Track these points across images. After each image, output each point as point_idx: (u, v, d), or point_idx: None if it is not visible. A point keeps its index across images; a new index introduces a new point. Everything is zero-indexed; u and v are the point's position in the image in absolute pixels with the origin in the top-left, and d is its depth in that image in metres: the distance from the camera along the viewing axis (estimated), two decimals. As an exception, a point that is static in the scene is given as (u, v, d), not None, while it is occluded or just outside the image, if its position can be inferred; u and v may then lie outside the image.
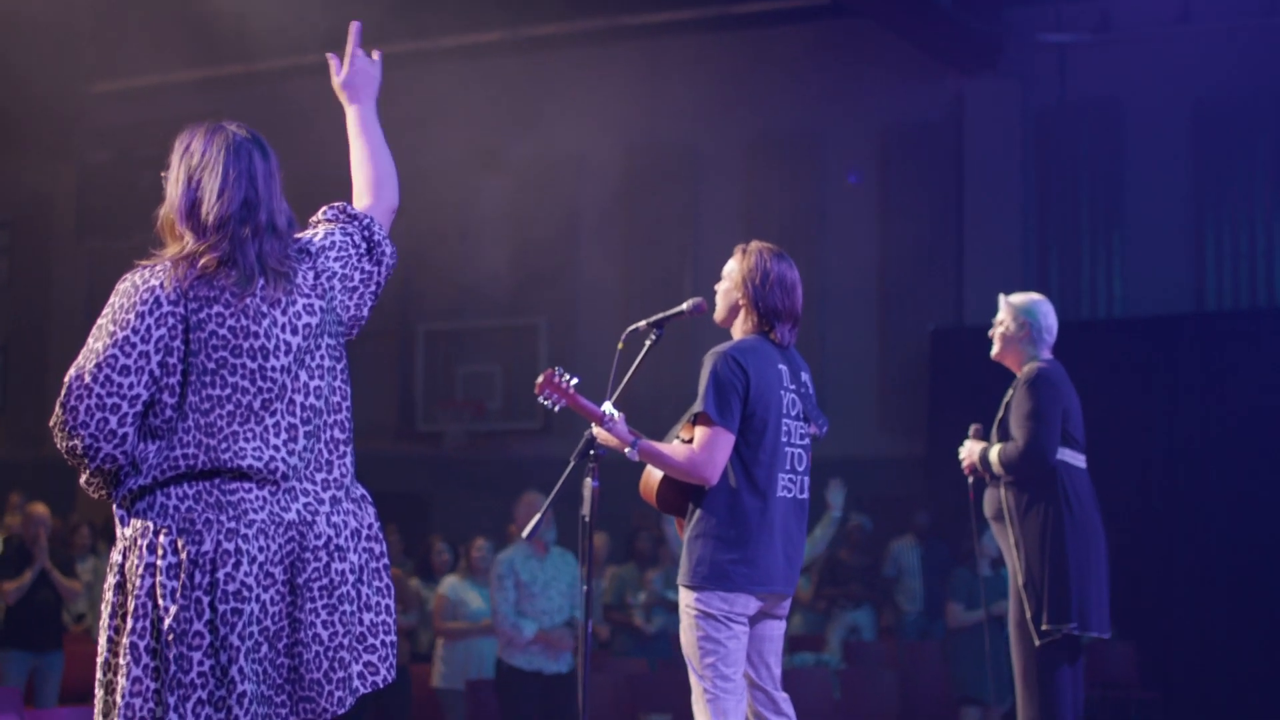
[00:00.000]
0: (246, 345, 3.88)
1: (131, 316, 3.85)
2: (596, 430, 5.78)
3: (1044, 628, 7.07)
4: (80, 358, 3.87)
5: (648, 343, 5.93)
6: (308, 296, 4.01)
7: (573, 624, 10.32)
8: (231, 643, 3.77)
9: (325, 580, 3.90)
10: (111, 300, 3.92)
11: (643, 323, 5.97)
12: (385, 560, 4.08)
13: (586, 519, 5.64)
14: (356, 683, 3.96)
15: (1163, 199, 16.39)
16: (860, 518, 14.70)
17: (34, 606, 11.44)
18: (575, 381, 5.69)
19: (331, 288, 4.08)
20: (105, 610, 3.88)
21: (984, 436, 7.52)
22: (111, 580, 3.88)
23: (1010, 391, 7.36)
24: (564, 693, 10.27)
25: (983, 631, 11.02)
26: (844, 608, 14.22)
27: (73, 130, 20.12)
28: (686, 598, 5.74)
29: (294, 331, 3.95)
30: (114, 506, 3.94)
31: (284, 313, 3.94)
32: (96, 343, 3.86)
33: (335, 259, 4.12)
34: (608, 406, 5.76)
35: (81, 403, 3.82)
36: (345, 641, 3.92)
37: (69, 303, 21.82)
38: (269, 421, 3.89)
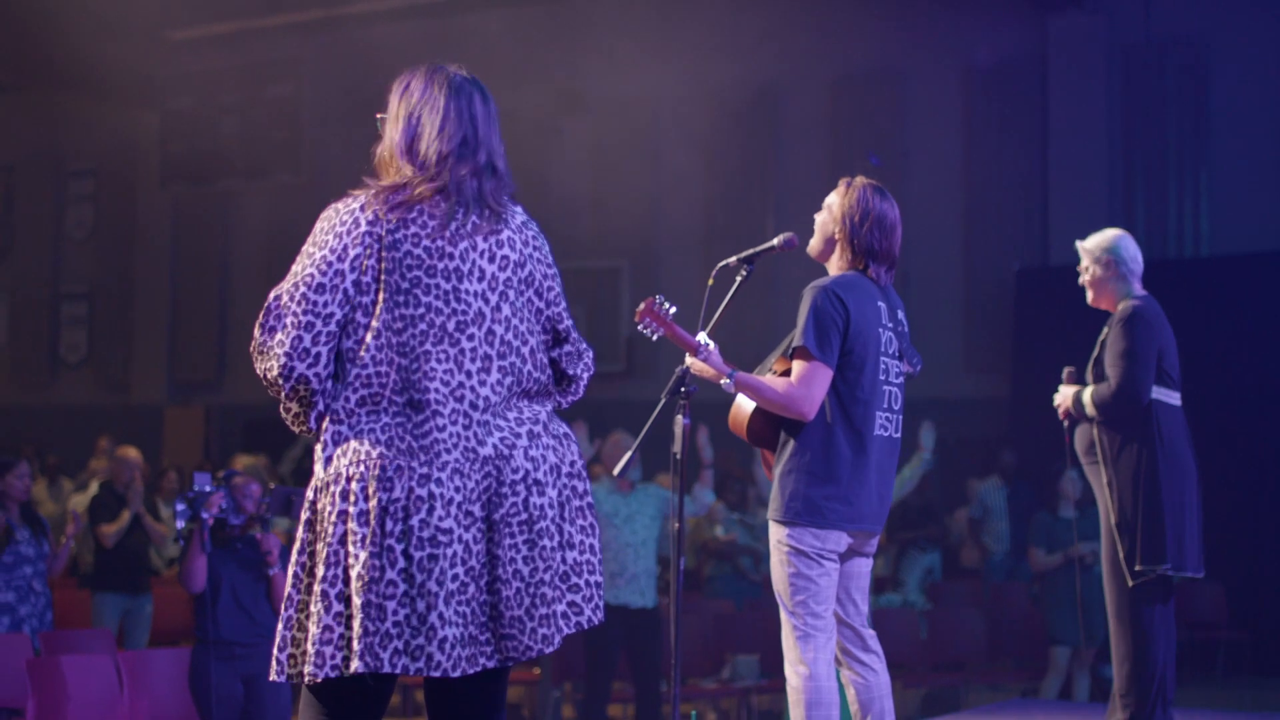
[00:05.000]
0: (441, 266, 3.86)
1: (330, 238, 3.87)
2: (691, 361, 5.66)
3: (1137, 568, 6.99)
4: (283, 281, 3.89)
5: (738, 278, 5.81)
6: (512, 235, 4.00)
7: (657, 560, 10.33)
8: (430, 589, 3.72)
9: (524, 515, 3.85)
10: (315, 227, 3.94)
11: (733, 258, 5.85)
12: (589, 499, 4.02)
13: (678, 455, 5.54)
14: (560, 622, 3.89)
15: (1251, 136, 16.19)
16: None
17: (127, 550, 11.53)
18: (674, 311, 5.59)
19: (534, 257, 4.06)
20: (295, 546, 3.85)
21: (1078, 378, 7.42)
22: (304, 516, 3.85)
23: (1106, 329, 7.24)
24: (647, 627, 10.28)
25: (1068, 574, 10.98)
26: (923, 549, 14.06)
27: (155, 77, 20.17)
28: (778, 533, 5.62)
29: (491, 259, 3.94)
30: (317, 448, 3.90)
31: (485, 240, 3.93)
32: (296, 265, 3.89)
33: (542, 254, 4.11)
34: (703, 336, 5.67)
35: (279, 322, 3.84)
36: (546, 578, 3.85)
37: (154, 249, 22.00)
38: (465, 345, 3.87)
